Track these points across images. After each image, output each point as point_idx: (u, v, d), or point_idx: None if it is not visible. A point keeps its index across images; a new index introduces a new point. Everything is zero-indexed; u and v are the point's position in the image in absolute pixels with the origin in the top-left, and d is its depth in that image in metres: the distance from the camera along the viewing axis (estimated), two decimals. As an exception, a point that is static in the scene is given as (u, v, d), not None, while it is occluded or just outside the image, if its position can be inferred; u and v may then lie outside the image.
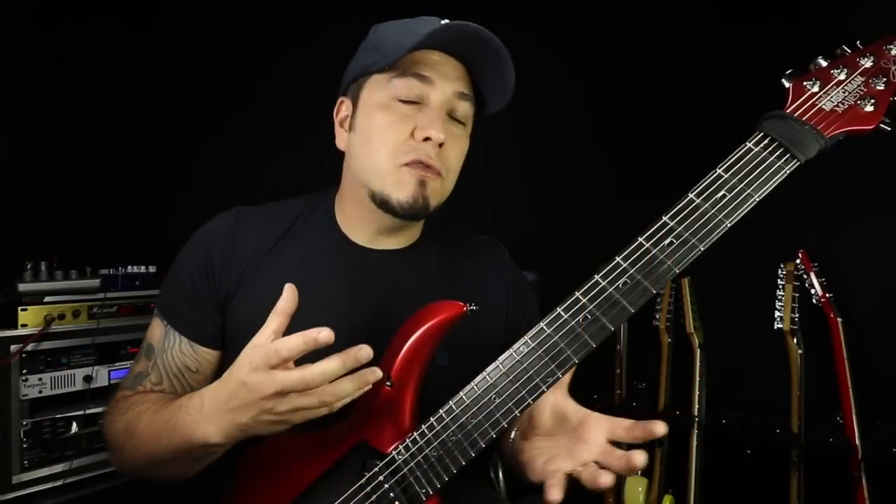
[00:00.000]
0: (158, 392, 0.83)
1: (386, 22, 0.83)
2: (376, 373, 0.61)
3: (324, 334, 0.58)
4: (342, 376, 0.60)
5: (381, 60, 0.77)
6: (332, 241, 0.87)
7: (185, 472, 0.74)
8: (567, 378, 0.67)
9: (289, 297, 0.63)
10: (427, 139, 0.76)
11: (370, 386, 0.62)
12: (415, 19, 0.80)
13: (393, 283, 0.85)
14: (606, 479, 0.58)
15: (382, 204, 0.79)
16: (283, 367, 0.59)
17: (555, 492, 0.60)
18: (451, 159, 0.80)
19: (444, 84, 0.78)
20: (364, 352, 0.60)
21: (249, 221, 0.87)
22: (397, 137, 0.77)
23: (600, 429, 0.63)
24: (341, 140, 0.86)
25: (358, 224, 0.86)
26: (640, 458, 0.58)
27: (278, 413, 0.60)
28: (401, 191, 0.77)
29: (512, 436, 0.76)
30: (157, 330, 0.85)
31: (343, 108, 0.86)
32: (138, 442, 0.73)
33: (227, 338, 0.85)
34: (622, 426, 0.62)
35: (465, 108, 0.81)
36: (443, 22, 0.76)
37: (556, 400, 0.69)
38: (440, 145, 0.77)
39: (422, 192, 0.77)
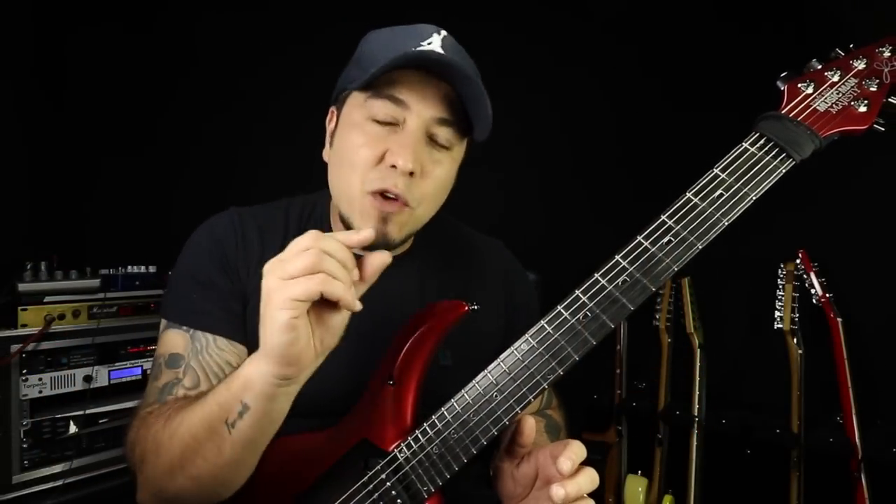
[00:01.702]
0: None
1: (379, 29, 0.80)
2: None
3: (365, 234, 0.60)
4: None
5: (357, 78, 0.74)
6: None
7: (220, 469, 0.64)
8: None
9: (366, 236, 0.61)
10: (394, 166, 0.72)
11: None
12: (406, 28, 0.76)
13: (389, 288, 0.83)
14: None
15: (349, 230, 0.75)
16: None
17: None
18: (425, 188, 0.75)
19: (421, 108, 0.73)
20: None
21: (251, 222, 0.85)
22: (367, 161, 0.73)
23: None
24: (326, 152, 0.84)
25: (344, 230, 0.84)
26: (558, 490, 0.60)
27: (300, 280, 0.55)
28: (363, 221, 0.74)
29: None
30: (178, 339, 0.77)
31: (332, 119, 0.84)
32: (180, 441, 0.64)
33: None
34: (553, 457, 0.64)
35: (445, 134, 0.76)
36: (416, 48, 0.72)
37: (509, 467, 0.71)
38: (411, 174, 0.73)
39: (383, 228, 0.74)
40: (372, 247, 0.72)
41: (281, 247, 0.82)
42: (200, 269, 0.80)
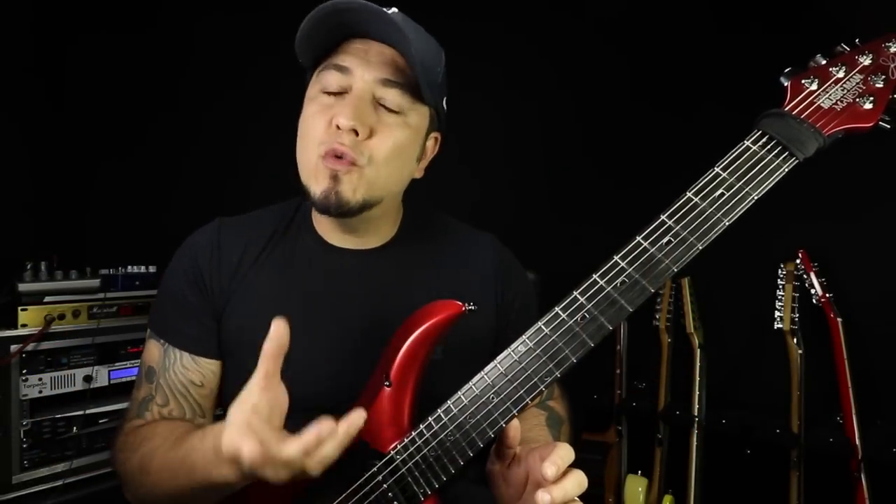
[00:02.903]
0: (167, 418, 0.82)
1: None
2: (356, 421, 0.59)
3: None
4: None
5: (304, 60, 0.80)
6: (312, 245, 0.86)
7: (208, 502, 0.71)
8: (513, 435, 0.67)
9: (278, 334, 0.58)
10: (339, 127, 0.75)
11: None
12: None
13: (375, 283, 0.84)
14: None
15: (310, 198, 0.78)
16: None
17: None
18: (374, 148, 0.76)
19: (363, 72, 0.76)
20: (357, 418, 0.58)
21: (232, 232, 0.86)
22: (318, 128, 0.76)
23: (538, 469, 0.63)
24: None
25: (325, 225, 0.86)
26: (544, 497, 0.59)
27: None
28: (316, 184, 0.76)
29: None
30: (155, 350, 0.84)
31: None
32: (156, 479, 0.72)
33: (222, 349, 0.84)
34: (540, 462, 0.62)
35: (393, 96, 0.77)
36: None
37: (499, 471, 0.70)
38: (356, 134, 0.74)
39: (334, 186, 0.75)
40: (325, 206, 0.76)
41: (263, 249, 0.84)
42: (174, 286, 0.85)
